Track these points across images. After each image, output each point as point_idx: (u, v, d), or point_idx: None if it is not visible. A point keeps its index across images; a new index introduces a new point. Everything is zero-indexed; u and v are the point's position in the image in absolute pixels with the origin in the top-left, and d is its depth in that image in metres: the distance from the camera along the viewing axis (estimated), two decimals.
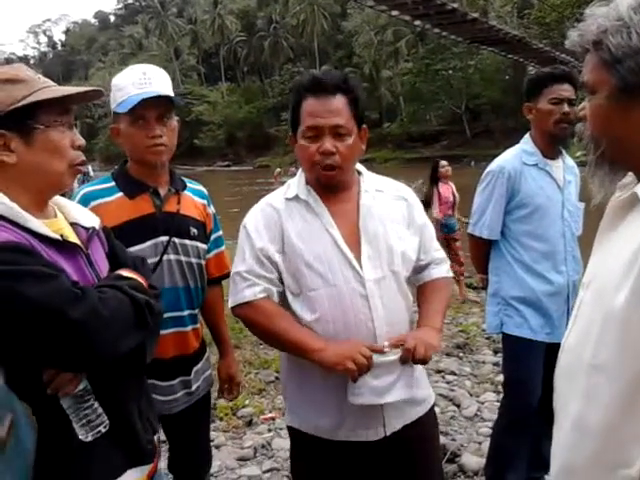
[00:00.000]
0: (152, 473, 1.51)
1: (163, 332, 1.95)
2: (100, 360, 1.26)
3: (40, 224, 1.29)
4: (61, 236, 1.33)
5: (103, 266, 1.47)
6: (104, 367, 1.30)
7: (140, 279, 1.44)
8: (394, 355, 1.65)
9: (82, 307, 1.19)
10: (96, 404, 1.33)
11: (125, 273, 1.44)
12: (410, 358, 1.65)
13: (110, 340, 1.24)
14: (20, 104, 1.28)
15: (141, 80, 1.90)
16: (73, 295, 1.20)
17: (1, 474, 1.17)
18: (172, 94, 1.97)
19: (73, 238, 1.39)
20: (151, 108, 1.88)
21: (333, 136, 1.70)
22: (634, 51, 1.01)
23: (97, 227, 1.50)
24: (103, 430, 1.33)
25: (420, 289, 1.93)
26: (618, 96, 1.06)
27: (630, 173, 1.15)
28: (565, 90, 2.48)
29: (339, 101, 1.71)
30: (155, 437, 1.55)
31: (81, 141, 1.39)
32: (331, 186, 1.77)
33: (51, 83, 1.37)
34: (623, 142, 1.09)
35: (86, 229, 1.46)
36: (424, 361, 1.67)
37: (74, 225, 1.45)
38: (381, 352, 1.64)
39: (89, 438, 1.31)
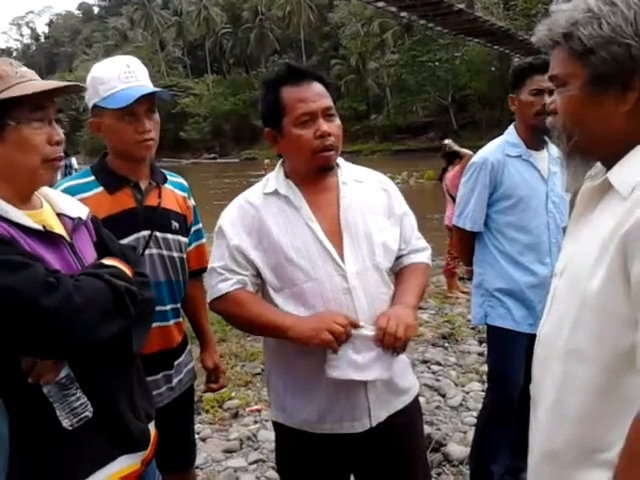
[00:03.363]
0: (147, 459, 1.54)
1: None
2: (78, 347, 1.26)
3: (21, 215, 1.32)
4: (43, 227, 1.35)
5: (89, 255, 1.48)
6: (85, 354, 1.31)
7: (123, 266, 1.44)
8: (373, 331, 1.64)
9: (55, 295, 1.20)
10: (79, 392, 1.34)
11: (107, 261, 1.45)
12: (387, 338, 1.62)
13: (86, 327, 1.24)
14: None
15: (126, 73, 1.88)
16: (46, 284, 1.21)
17: None
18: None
19: (58, 228, 1.41)
20: (141, 103, 1.86)
21: (325, 118, 1.72)
22: (606, 41, 1.03)
23: (84, 217, 1.52)
24: (87, 418, 1.34)
25: (398, 273, 1.92)
26: (591, 86, 1.08)
27: (598, 163, 1.16)
28: (546, 81, 2.42)
29: (319, 86, 1.75)
30: (151, 425, 1.57)
31: (59, 137, 1.39)
32: (327, 169, 1.77)
33: (29, 77, 1.36)
34: (596, 132, 1.11)
35: (72, 219, 1.47)
36: (405, 341, 1.65)
37: (60, 216, 1.46)
38: (358, 326, 1.64)
39: (73, 426, 1.32)
